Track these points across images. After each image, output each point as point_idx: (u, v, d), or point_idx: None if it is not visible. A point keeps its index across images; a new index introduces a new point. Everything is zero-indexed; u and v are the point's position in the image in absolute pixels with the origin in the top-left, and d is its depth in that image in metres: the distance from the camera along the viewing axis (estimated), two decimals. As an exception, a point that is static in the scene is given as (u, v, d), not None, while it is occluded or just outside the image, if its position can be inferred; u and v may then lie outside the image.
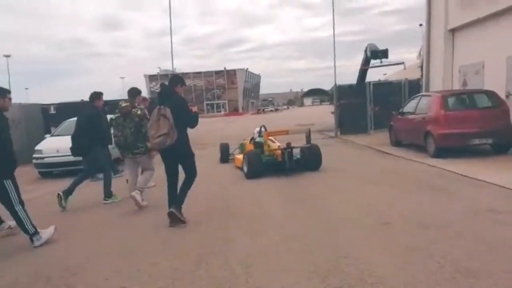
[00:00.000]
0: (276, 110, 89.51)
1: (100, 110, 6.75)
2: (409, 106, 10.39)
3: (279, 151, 8.07)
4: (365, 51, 18.28)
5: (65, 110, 14.50)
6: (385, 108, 15.08)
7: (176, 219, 4.72)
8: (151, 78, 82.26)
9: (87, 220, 5.58)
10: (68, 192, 6.21)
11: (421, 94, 10.30)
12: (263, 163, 7.90)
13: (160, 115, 4.57)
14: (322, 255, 3.58)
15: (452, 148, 8.47)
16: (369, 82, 15.75)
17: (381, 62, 17.58)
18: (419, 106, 9.72)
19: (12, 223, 4.72)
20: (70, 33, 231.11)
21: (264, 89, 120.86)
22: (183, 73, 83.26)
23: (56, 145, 10.28)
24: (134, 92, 6.27)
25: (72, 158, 10.20)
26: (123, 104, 5.96)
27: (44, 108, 15.42)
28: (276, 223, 4.71)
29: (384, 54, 17.39)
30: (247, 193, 6.59)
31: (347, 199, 5.71)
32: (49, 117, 15.08)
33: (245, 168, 8.00)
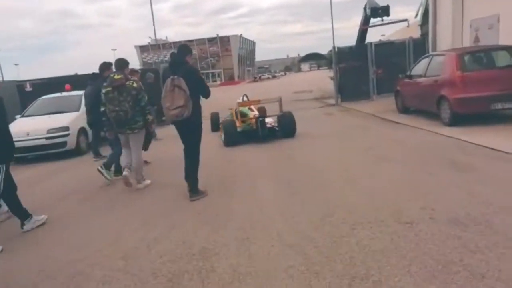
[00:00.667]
0: (273, 77, 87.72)
1: None
2: (418, 68, 9.26)
3: (254, 120, 8.40)
4: (364, 9, 16.90)
5: (43, 87, 13.29)
6: (388, 71, 13.95)
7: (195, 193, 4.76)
8: (142, 49, 79.73)
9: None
10: (115, 168, 6.29)
11: (432, 53, 9.11)
12: (239, 132, 8.27)
13: (174, 85, 4.42)
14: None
15: (470, 115, 7.44)
16: (370, 43, 14.46)
17: (382, 20, 16.21)
18: (430, 68, 8.59)
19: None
20: (56, 5, 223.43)
21: (260, 56, 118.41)
22: (174, 42, 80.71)
23: (27, 127, 9.22)
24: (122, 64, 5.62)
25: (45, 142, 9.37)
26: (116, 77, 5.39)
27: (19, 85, 14.21)
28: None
29: (385, 11, 15.96)
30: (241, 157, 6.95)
31: (353, 183, 4.76)
32: (25, 95, 13.92)
33: (222, 137, 8.45)
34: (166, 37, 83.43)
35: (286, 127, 8.40)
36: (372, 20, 16.75)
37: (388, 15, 16.12)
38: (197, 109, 4.63)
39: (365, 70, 14.15)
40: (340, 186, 4.73)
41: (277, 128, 8.51)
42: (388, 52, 14.40)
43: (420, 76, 8.90)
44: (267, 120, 8.61)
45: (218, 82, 74.02)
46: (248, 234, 3.58)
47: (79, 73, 9.99)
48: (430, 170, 4.97)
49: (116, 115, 5.34)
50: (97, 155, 8.59)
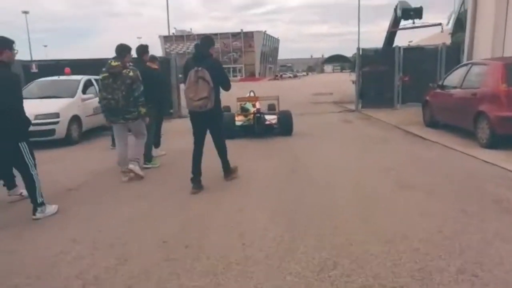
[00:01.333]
0: (295, 76, 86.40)
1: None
2: (453, 78, 8.09)
3: (252, 116, 8.57)
4: (395, 9, 15.75)
5: (49, 68, 12.61)
6: (416, 79, 12.74)
7: (198, 189, 4.79)
8: (166, 39, 79.52)
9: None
10: (148, 158, 6.18)
11: (470, 62, 7.90)
12: (238, 126, 8.48)
13: (198, 77, 4.48)
14: None
15: (514, 137, 6.27)
16: (398, 47, 13.22)
17: (414, 23, 15.03)
18: (467, 78, 7.42)
19: (25, 191, 4.45)
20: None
21: (283, 55, 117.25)
22: (198, 35, 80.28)
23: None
24: (121, 50, 5.37)
25: (31, 128, 8.61)
26: (113, 63, 5.23)
27: (25, 66, 13.58)
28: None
29: (417, 13, 14.82)
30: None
31: (365, 222, 3.71)
32: (30, 76, 13.29)
33: None
34: (191, 29, 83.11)
35: (284, 126, 8.65)
36: (403, 23, 15.60)
37: (420, 17, 14.96)
38: (218, 101, 4.76)
39: (390, 76, 12.94)
40: (349, 224, 3.68)
41: (275, 126, 8.67)
42: (417, 58, 13.16)
43: (455, 87, 7.73)
44: (268, 117, 8.78)
45: (238, 78, 73.23)
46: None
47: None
48: (466, 207, 3.88)
49: (107, 102, 5.26)
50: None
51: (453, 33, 16.39)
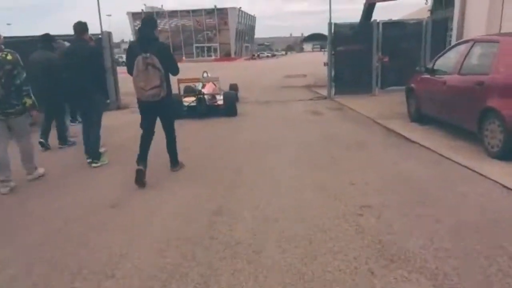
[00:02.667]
0: (273, 56, 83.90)
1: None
2: (447, 60, 6.20)
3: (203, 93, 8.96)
4: None
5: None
6: (397, 59, 10.94)
7: (142, 181, 4.30)
8: (135, 16, 74.96)
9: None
10: (95, 155, 5.28)
11: (473, 38, 5.96)
12: (186, 107, 8.68)
13: (147, 64, 4.16)
14: None
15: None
16: (377, 22, 11.24)
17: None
18: (469, 61, 5.53)
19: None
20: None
21: (261, 33, 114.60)
22: (169, 12, 76.27)
23: None
24: None
25: None
26: None
27: None
28: None
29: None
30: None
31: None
32: None
33: None
34: (162, 6, 78.79)
35: (228, 106, 8.83)
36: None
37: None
38: (169, 87, 4.47)
39: (367, 56, 11.00)
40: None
41: (221, 107, 8.87)
42: (398, 35, 11.26)
43: (451, 73, 5.85)
44: (215, 98, 9.18)
45: (213, 57, 70.16)
46: None
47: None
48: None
49: None
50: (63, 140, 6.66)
51: (432, 10, 14.62)
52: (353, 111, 8.80)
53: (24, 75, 4.47)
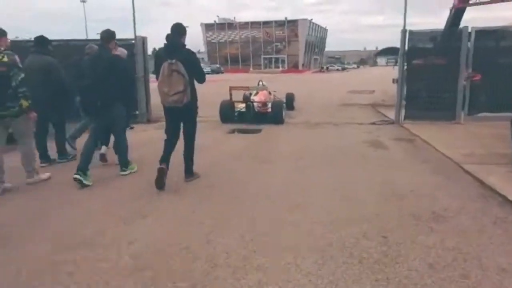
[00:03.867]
0: (343, 69, 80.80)
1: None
2: None
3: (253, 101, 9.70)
4: None
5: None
6: (493, 78, 8.39)
7: (163, 180, 4.34)
8: (208, 27, 76.84)
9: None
10: (84, 169, 4.61)
11: None
12: (237, 112, 9.53)
13: (172, 70, 4.19)
14: None
15: None
16: (467, 29, 8.66)
17: (494, -5, 10.34)
18: None
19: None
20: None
21: (334, 46, 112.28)
22: (240, 23, 76.84)
23: None
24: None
25: None
26: None
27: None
28: None
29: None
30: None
31: None
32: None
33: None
34: (234, 18, 79.73)
35: (275, 115, 9.19)
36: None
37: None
38: (194, 94, 4.47)
39: (452, 73, 8.51)
40: None
41: (269, 114, 9.27)
42: (496, 47, 8.65)
43: None
44: (268, 105, 9.58)
45: (280, 69, 68.98)
46: None
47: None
48: None
49: None
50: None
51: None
52: (429, 146, 6.46)
53: (21, 76, 4.36)
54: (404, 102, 8.88)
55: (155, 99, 6.06)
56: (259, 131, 8.34)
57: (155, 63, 4.41)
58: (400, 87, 8.89)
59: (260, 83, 11.36)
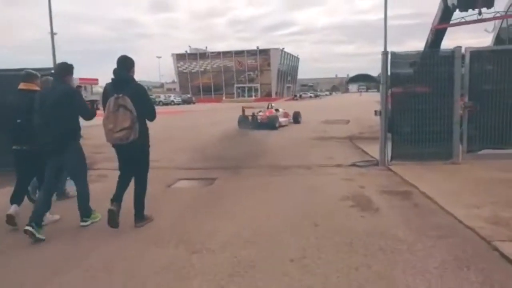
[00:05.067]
0: (316, 96, 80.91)
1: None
2: None
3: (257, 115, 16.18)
4: None
5: None
6: (494, 106, 6.93)
7: (115, 221, 4.06)
8: (179, 57, 75.58)
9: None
10: (38, 221, 4.02)
11: None
12: (250, 123, 15.47)
13: (118, 105, 3.95)
14: None
15: None
16: (460, 49, 7.21)
17: (480, 14, 9.11)
18: None
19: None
20: (122, 14, 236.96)
21: (306, 74, 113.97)
22: (211, 53, 76.10)
23: None
24: None
25: None
26: None
27: None
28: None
29: (486, -1, 8.89)
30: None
31: None
32: None
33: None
34: (206, 47, 79.02)
35: (269, 123, 15.34)
36: (457, 14, 9.85)
37: (491, 5, 9.04)
38: (144, 132, 4.18)
39: (444, 101, 7.01)
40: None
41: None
42: (495, 70, 7.22)
43: None
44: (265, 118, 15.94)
45: (253, 98, 68.04)
46: None
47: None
48: None
49: None
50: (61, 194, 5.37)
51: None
52: (433, 204, 4.73)
53: None
54: (390, 136, 7.28)
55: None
56: (211, 182, 6.49)
57: (103, 99, 4.16)
58: (384, 121, 7.29)
59: (270, 105, 17.93)
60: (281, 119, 16.64)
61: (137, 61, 4.41)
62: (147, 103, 4.24)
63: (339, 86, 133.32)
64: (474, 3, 8.87)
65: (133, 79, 4.24)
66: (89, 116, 4.35)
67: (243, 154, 9.02)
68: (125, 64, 4.21)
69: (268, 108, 17.25)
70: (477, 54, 7.01)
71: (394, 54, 7.18)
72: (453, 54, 7.03)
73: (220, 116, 25.21)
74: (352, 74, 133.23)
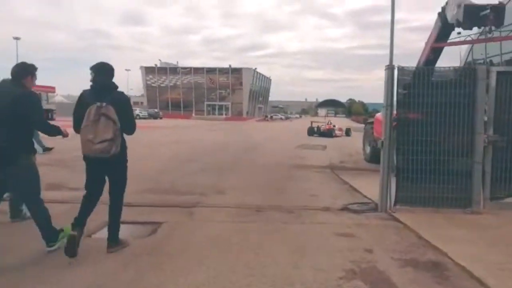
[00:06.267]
0: (287, 118, 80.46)
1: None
2: None
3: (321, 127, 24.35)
4: (442, 12, 8.96)
5: None
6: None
7: (74, 249, 3.57)
8: (148, 70, 73.13)
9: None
10: (49, 237, 3.77)
11: None
12: (316, 132, 24.13)
13: (100, 114, 3.59)
14: None
15: None
16: (486, 66, 5.75)
17: (490, 32, 7.93)
18: None
19: None
20: (91, 24, 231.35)
21: (277, 97, 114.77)
22: (182, 68, 74.21)
23: None
24: None
25: None
26: None
27: None
28: None
29: (496, 14, 7.68)
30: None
31: None
32: None
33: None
34: (177, 62, 77.10)
35: (329, 133, 23.35)
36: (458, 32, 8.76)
37: (499, 23, 7.83)
38: (123, 145, 3.80)
39: (462, 133, 5.51)
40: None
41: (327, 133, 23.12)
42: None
43: None
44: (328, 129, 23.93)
45: (224, 116, 66.36)
46: None
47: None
48: None
49: None
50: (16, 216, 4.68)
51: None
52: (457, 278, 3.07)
53: None
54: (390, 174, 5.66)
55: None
56: (153, 229, 4.57)
57: (77, 107, 3.76)
58: (387, 154, 5.66)
59: (329, 121, 25.83)
60: (337, 132, 24.31)
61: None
62: (129, 115, 3.90)
63: (308, 109, 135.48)
64: (482, 21, 7.65)
65: (117, 87, 3.88)
66: (45, 127, 3.87)
67: (206, 185, 7.17)
68: (105, 71, 3.84)
69: (327, 123, 25.07)
70: (505, 76, 5.57)
71: (402, 70, 5.64)
72: (475, 73, 5.57)
73: (187, 135, 23.22)
74: (321, 99, 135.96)
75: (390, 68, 5.60)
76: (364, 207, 5.87)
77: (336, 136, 23.32)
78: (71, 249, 3.54)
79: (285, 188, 7.35)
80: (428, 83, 5.54)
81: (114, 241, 3.85)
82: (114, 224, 3.88)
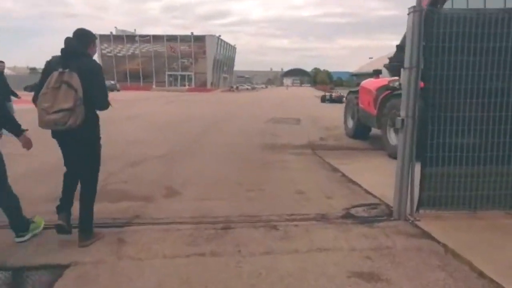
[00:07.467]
0: (253, 89, 78.39)
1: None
2: None
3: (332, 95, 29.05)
4: None
5: None
6: None
7: (66, 232, 3.32)
8: (103, 38, 67.68)
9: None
10: (19, 227, 3.44)
11: None
12: (328, 99, 28.63)
13: (61, 81, 3.08)
14: None
15: None
16: None
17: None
18: None
19: None
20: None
21: (242, 66, 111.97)
22: (141, 36, 69.44)
23: None
24: None
25: None
26: None
27: None
28: None
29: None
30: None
31: None
32: None
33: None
34: (135, 30, 72.00)
35: (338, 100, 26.31)
36: None
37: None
38: (92, 119, 3.30)
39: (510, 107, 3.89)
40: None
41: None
42: None
43: None
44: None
45: (186, 87, 63.18)
46: None
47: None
48: None
49: None
50: None
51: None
52: None
53: None
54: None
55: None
56: (47, 284, 2.67)
57: (42, 73, 3.27)
58: (410, 137, 3.94)
59: (337, 91, 35.36)
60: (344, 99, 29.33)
61: (59, 42, 3.21)
62: (99, 85, 3.28)
63: (274, 79, 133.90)
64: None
65: (88, 54, 3.29)
66: None
67: (153, 181, 5.30)
68: (78, 35, 3.29)
69: (336, 92, 31.42)
70: None
71: (435, 13, 3.84)
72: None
73: (142, 108, 20.81)
74: (286, 69, 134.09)
75: (417, 10, 3.79)
76: (373, 212, 4.21)
77: (343, 102, 28.51)
78: (63, 232, 3.32)
79: (261, 181, 5.55)
80: (476, 34, 3.77)
81: (86, 234, 3.36)
82: (84, 213, 3.38)
